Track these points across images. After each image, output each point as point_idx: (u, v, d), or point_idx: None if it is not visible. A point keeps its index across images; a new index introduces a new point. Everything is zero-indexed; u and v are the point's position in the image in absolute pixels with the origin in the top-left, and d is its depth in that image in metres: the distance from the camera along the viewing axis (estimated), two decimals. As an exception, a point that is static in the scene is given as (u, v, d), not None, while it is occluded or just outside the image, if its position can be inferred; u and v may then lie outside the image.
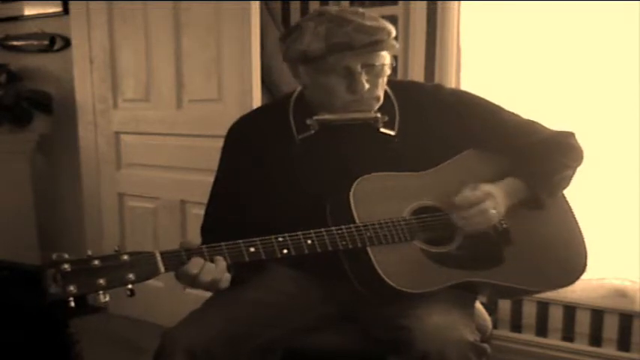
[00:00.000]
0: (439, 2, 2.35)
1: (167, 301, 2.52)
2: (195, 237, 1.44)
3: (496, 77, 2.27)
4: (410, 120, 1.44)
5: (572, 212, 1.52)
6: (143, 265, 1.11)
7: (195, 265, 1.16)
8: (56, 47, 3.14)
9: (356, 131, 1.40)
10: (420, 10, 2.40)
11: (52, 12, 3.10)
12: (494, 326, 2.13)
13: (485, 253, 1.39)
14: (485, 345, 1.26)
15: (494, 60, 2.28)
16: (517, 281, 1.40)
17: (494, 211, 1.33)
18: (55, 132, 3.27)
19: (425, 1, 2.38)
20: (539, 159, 1.44)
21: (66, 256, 1.06)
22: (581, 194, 2.09)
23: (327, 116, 1.37)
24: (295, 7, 2.67)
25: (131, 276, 1.10)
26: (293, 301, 1.41)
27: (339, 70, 1.31)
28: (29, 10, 3.20)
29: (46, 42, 3.15)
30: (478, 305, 1.53)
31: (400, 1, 2.44)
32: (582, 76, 2.16)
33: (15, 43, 3.26)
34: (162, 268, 1.13)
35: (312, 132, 1.39)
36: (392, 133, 1.41)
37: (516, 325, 2.42)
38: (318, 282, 1.42)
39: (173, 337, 1.28)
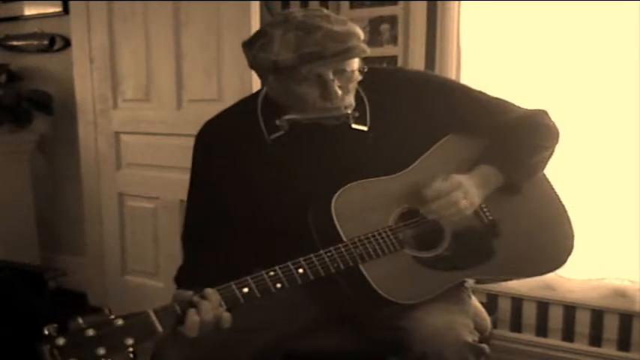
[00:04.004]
0: (439, 2, 2.35)
1: (167, 301, 2.51)
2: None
3: (496, 77, 2.27)
4: (379, 110, 1.39)
5: (555, 193, 1.51)
6: (139, 327, 1.06)
7: (192, 313, 1.12)
8: (56, 47, 3.14)
9: (328, 130, 1.34)
10: (420, 10, 2.40)
11: (52, 12, 3.10)
12: (494, 326, 2.13)
13: (475, 249, 1.38)
14: (484, 345, 1.26)
15: (494, 59, 2.28)
16: (510, 271, 1.42)
17: (465, 201, 1.28)
18: (55, 132, 3.27)
19: (425, 1, 2.38)
20: (513, 143, 1.41)
21: (55, 325, 1.00)
22: (582, 194, 2.10)
23: (296, 116, 1.32)
24: (295, 8, 2.67)
25: (130, 340, 1.04)
26: (288, 304, 1.38)
27: (311, 79, 1.26)
28: (29, 10, 3.20)
29: (46, 42, 3.14)
30: (478, 305, 1.53)
31: (400, 1, 2.44)
32: (582, 75, 2.16)
33: (15, 43, 3.25)
34: (159, 327, 1.09)
35: (283, 132, 1.34)
36: (364, 128, 1.37)
37: (516, 325, 2.42)
38: (313, 285, 1.40)
39: (165, 351, 1.27)
